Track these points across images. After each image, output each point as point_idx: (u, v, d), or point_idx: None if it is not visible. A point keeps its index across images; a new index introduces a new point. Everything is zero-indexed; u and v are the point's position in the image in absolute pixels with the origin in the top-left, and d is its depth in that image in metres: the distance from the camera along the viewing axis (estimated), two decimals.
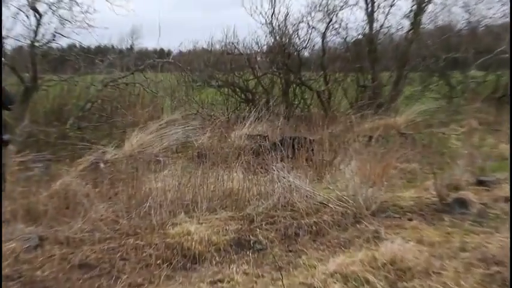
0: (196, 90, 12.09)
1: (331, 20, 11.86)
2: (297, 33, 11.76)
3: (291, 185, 5.44)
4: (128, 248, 4.31)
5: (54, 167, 6.77)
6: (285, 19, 11.61)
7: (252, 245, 4.54)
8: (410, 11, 11.99)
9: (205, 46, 12.79)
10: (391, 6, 11.95)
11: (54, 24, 9.93)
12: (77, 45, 10.24)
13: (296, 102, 12.06)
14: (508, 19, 12.01)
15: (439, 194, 5.54)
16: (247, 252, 4.41)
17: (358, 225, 4.90)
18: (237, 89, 11.99)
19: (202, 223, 4.85)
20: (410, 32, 12.05)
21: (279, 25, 11.65)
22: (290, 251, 4.44)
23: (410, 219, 5.08)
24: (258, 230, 4.77)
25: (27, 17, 8.88)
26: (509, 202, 5.27)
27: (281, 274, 3.83)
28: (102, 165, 7.10)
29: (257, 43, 12.10)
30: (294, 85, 12.05)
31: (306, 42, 11.95)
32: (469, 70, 13.22)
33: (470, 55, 12.85)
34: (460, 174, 6.16)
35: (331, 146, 7.19)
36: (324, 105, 11.17)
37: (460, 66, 13.34)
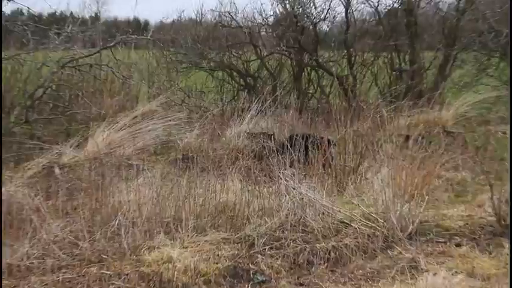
0: (181, 74, 12.13)
1: None
2: (313, 0, 11.79)
3: (303, 199, 5.46)
4: (89, 280, 4.32)
5: None
6: None
7: (251, 276, 4.54)
8: None
9: (193, 16, 12.84)
10: None
11: None
12: (25, 12, 10.29)
13: (311, 91, 12.07)
14: None
15: (497, 212, 5.54)
16: (246, 286, 4.41)
17: (389, 252, 4.90)
18: (235, 73, 12.01)
19: (187, 247, 4.85)
20: None
21: None
22: (301, 285, 4.44)
23: (458, 245, 5.09)
24: (259, 256, 4.77)
25: None
26: None
27: None
28: (57, 170, 7.12)
29: (261, 13, 12.15)
30: (309, 68, 12.07)
31: (325, 12, 11.98)
32: None
33: None
34: None
35: (356, 148, 7.21)
36: (347, 94, 11.19)
37: None
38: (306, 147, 6.90)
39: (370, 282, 4.41)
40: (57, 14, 11.00)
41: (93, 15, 12.10)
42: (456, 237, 5.26)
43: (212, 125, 9.09)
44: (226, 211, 5.56)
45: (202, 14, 12.55)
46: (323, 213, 5.42)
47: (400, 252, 4.88)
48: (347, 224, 5.33)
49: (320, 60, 11.83)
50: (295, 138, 6.94)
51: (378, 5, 12.14)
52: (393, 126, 8.61)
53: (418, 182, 6.14)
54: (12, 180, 6.10)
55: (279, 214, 5.34)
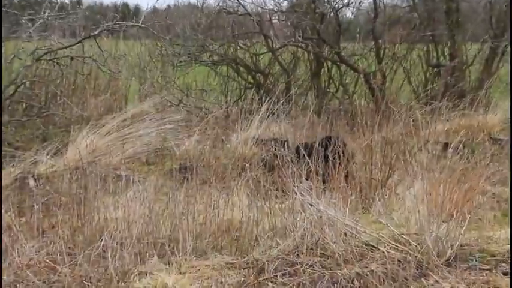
0: (179, 69, 12.17)
1: None
2: None
3: (321, 217, 5.47)
4: None
5: None
6: None
7: None
8: None
9: (193, 1, 12.89)
10: None
11: None
12: None
13: (332, 90, 12.10)
14: None
15: None
16: None
17: (424, 280, 4.91)
18: (242, 68, 12.06)
19: (185, 273, 4.88)
20: None
21: None
22: None
23: (505, 273, 5.09)
24: (270, 284, 4.79)
25: None
26: None
27: None
28: (32, 182, 7.17)
29: None
30: (329, 63, 12.10)
31: None
32: None
33: None
34: None
35: (385, 158, 7.23)
36: (374, 94, 11.21)
37: None
38: (326, 157, 6.93)
39: None
40: None
41: None
42: (503, 264, 5.26)
43: (215, 129, 9.13)
44: (231, 231, 5.58)
45: None
46: (345, 234, 5.43)
47: (437, 281, 4.89)
48: (373, 247, 5.34)
49: (343, 53, 11.85)
50: (313, 146, 6.98)
51: None
52: (429, 132, 8.61)
53: (458, 198, 6.15)
54: None
55: (293, 235, 5.36)
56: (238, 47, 12.01)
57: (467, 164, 6.84)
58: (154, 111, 9.87)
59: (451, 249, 5.30)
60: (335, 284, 4.81)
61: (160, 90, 11.15)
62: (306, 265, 5.01)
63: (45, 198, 6.45)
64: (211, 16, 12.20)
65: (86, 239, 5.22)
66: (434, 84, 11.66)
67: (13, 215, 5.57)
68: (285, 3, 12.41)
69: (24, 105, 9.70)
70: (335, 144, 7.18)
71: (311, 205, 5.58)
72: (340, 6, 11.95)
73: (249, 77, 12.06)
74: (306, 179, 6.29)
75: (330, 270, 4.97)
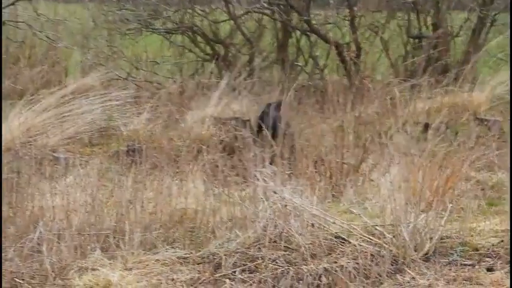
0: (127, 38, 12.08)
1: None
2: None
3: (286, 206, 5.49)
4: None
5: None
6: None
7: None
8: None
9: None
10: None
11: None
12: None
13: (300, 63, 12.10)
14: None
15: None
16: None
17: (399, 277, 4.95)
18: (199, 38, 12.00)
19: (131, 269, 4.87)
20: None
21: None
22: None
23: (490, 269, 5.15)
24: (227, 281, 4.80)
25: None
26: None
27: None
28: None
29: None
30: (298, 33, 12.09)
31: None
32: None
33: None
34: None
35: (358, 140, 7.27)
36: (347, 68, 11.25)
37: None
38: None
39: None
40: None
41: None
42: (487, 259, 5.32)
43: (167, 107, 9.10)
44: (184, 221, 5.58)
45: None
46: (312, 226, 5.45)
47: (413, 278, 4.94)
48: (344, 240, 5.37)
49: (313, 22, 11.85)
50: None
51: None
52: (408, 112, 8.67)
53: (439, 185, 6.20)
54: None
55: (255, 226, 5.37)
56: (196, 14, 11.94)
57: (450, 147, 6.91)
58: (99, 85, 9.79)
59: (430, 242, 5.35)
60: (300, 281, 4.83)
61: (105, 62, 11.05)
62: (268, 260, 5.03)
63: None
64: None
65: (18, 231, 5.19)
66: (415, 58, 11.69)
67: None
68: None
69: None
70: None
71: (275, 193, 5.59)
72: None
73: (208, 47, 12.01)
74: (270, 164, 6.30)
75: (295, 265, 4.99)
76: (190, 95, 9.76)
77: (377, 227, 5.46)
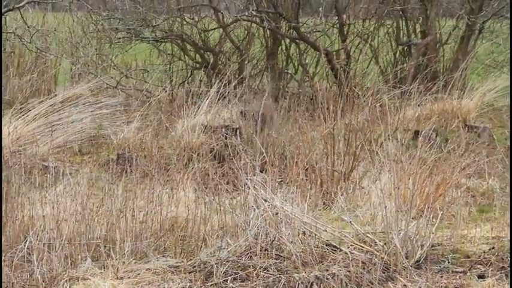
0: (116, 47, 12.07)
1: None
2: None
3: (277, 214, 5.49)
4: None
5: None
6: None
7: None
8: None
9: None
10: None
11: None
12: None
13: (290, 71, 12.11)
14: None
15: None
16: None
17: (391, 284, 4.96)
18: (189, 46, 12.01)
19: (122, 278, 4.86)
20: None
21: None
22: None
23: (482, 276, 5.16)
24: None
25: None
26: None
27: None
28: None
29: None
30: (287, 41, 12.10)
31: None
32: None
33: None
34: None
35: (349, 148, 7.27)
36: (337, 76, 11.25)
37: None
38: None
39: None
40: None
41: None
42: (479, 266, 5.34)
43: (158, 115, 9.09)
44: (175, 230, 5.58)
45: None
46: (304, 234, 5.46)
47: (405, 285, 4.95)
48: (335, 247, 5.38)
49: (302, 29, 11.87)
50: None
51: None
52: (398, 119, 8.68)
53: (429, 192, 6.22)
54: None
55: (246, 234, 5.37)
56: (185, 22, 11.94)
57: (440, 154, 6.92)
58: (89, 94, 9.78)
59: (421, 249, 5.37)
60: None
61: (95, 71, 11.04)
62: (259, 268, 5.03)
63: None
64: None
65: (8, 240, 5.17)
66: (405, 65, 11.73)
67: None
68: None
69: None
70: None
71: (266, 200, 5.59)
72: None
73: (197, 55, 12.01)
74: (261, 172, 6.31)
75: (287, 273, 4.99)
76: (180, 103, 9.75)
77: (368, 235, 5.47)
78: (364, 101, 8.13)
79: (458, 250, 5.56)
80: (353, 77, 11.02)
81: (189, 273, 5.04)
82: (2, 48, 10.17)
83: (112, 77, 11.34)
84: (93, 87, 10.36)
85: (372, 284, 4.94)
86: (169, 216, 5.71)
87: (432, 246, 5.49)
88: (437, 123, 9.25)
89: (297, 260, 5.13)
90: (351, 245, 5.37)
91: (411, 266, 5.19)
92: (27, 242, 5.06)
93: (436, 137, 8.48)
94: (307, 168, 7.00)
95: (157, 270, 5.02)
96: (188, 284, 4.86)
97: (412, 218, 5.59)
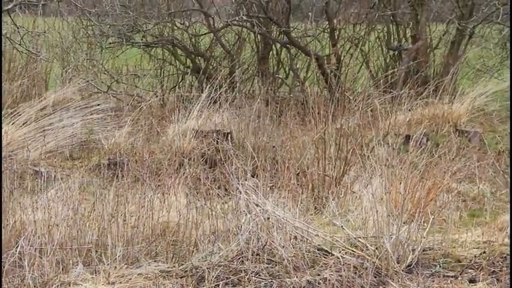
0: (107, 52, 12.07)
1: None
2: None
3: (269, 218, 5.50)
4: None
5: None
6: None
7: None
8: None
9: None
10: None
11: None
12: None
13: (281, 76, 12.13)
14: None
15: None
16: None
17: None
18: (179, 51, 12.01)
19: (114, 283, 4.86)
20: None
21: None
22: None
23: (473, 281, 5.18)
24: None
25: None
26: None
27: None
28: None
29: None
30: (278, 46, 12.12)
31: None
32: None
33: None
34: None
35: (340, 152, 7.28)
36: (328, 81, 11.28)
37: None
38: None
39: None
40: None
41: None
42: (470, 271, 5.35)
43: (149, 120, 9.08)
44: (166, 235, 5.57)
45: None
46: (295, 238, 5.47)
47: None
48: (327, 252, 5.39)
49: (293, 34, 11.89)
50: None
51: None
52: (389, 124, 8.71)
53: (420, 197, 6.23)
54: None
55: (237, 239, 5.38)
56: (175, 27, 11.95)
57: (431, 159, 6.94)
58: (79, 98, 9.77)
59: (413, 254, 5.38)
60: None
61: (86, 75, 11.03)
62: (251, 273, 5.04)
63: None
64: None
65: None
66: (395, 70, 11.75)
67: None
68: None
69: None
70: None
71: (257, 205, 5.60)
72: None
73: (188, 60, 12.02)
74: (252, 176, 6.31)
75: (278, 278, 5.00)
76: (171, 108, 9.75)
77: (360, 239, 5.48)
78: (355, 105, 8.16)
79: (450, 254, 5.58)
80: (344, 81, 11.05)
81: (181, 278, 5.04)
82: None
83: (103, 82, 11.34)
84: (84, 92, 10.35)
85: None
86: (161, 221, 5.70)
87: (423, 251, 5.51)
88: (428, 128, 9.28)
89: (289, 264, 5.14)
90: (343, 250, 5.39)
91: (402, 271, 5.21)
92: (19, 247, 5.05)
93: (427, 141, 8.50)
94: (298, 173, 7.01)
95: (149, 275, 5.02)
96: None
97: (404, 223, 5.60)
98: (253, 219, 5.48)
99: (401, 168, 6.51)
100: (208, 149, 8.11)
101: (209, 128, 8.74)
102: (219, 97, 9.42)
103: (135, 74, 11.96)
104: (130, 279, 4.94)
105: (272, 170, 6.93)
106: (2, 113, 8.49)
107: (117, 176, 6.47)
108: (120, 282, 4.89)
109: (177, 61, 12.03)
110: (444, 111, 10.14)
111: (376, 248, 5.32)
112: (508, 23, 12.79)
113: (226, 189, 6.69)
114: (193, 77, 11.72)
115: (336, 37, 11.93)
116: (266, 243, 5.35)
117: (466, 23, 12.21)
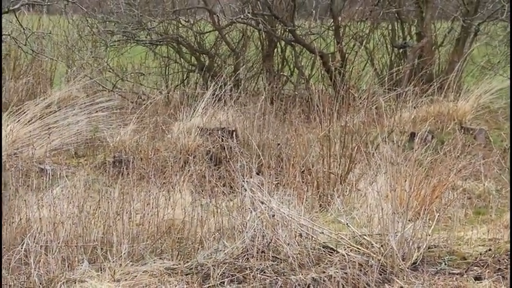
0: (112, 50, 12.08)
1: None
2: None
3: (274, 216, 5.50)
4: None
5: None
6: None
7: None
8: None
9: None
10: None
11: None
12: None
13: (286, 73, 12.13)
14: None
15: None
16: None
17: (388, 286, 4.97)
18: (184, 49, 12.01)
19: (119, 280, 4.87)
20: None
21: None
22: None
23: (478, 278, 5.18)
24: None
25: None
26: None
27: None
28: None
29: None
30: (283, 43, 12.12)
31: None
32: None
33: None
34: None
35: (345, 150, 7.29)
36: (333, 78, 11.28)
37: None
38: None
39: None
40: None
41: None
42: (475, 268, 5.35)
43: (154, 117, 9.08)
44: (172, 232, 5.58)
45: None
46: (300, 236, 5.47)
47: (402, 287, 4.95)
48: (332, 249, 5.39)
49: (298, 32, 11.89)
50: None
51: None
52: (394, 121, 8.71)
53: (425, 194, 6.23)
54: None
55: (243, 236, 5.39)
56: (180, 25, 11.96)
57: (436, 156, 6.93)
58: (85, 96, 9.78)
59: (418, 251, 5.38)
60: None
61: (91, 73, 11.04)
62: (256, 270, 5.05)
63: None
64: None
65: (5, 243, 5.17)
66: (400, 67, 11.75)
67: None
68: None
69: None
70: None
71: (262, 203, 5.60)
72: None
73: (193, 58, 12.03)
74: (257, 174, 6.31)
75: (284, 275, 5.00)
76: (176, 105, 9.75)
77: (365, 237, 5.49)
78: (360, 103, 8.15)
79: (455, 252, 5.58)
80: (348, 79, 11.05)
81: (186, 275, 5.05)
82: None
83: (108, 80, 11.35)
84: (89, 90, 10.36)
85: (369, 286, 4.96)
86: (166, 218, 5.71)
87: (429, 248, 5.51)
88: (433, 125, 9.28)
89: (294, 262, 5.14)
90: (348, 247, 5.39)
91: (408, 268, 5.21)
92: (24, 245, 5.05)
93: (432, 139, 8.50)
94: (303, 171, 7.01)
95: (154, 273, 5.03)
96: (185, 286, 4.87)
97: (409, 220, 5.60)
98: (258, 217, 5.49)
99: (406, 165, 6.50)
100: (213, 147, 8.11)
101: (214, 126, 8.74)
102: (224, 95, 9.41)
103: (140, 71, 11.97)
104: (135, 276, 4.94)
105: (277, 168, 6.92)
106: (8, 111, 8.50)
107: (122, 174, 6.48)
108: (126, 280, 4.90)
109: (181, 59, 12.04)
110: (449, 109, 10.14)
111: (382, 246, 5.33)
112: None
113: (231, 187, 6.69)
114: (198, 74, 11.73)
115: (341, 35, 11.93)
116: (271, 240, 5.36)
117: (471, 20, 12.20)
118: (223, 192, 6.50)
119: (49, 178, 6.21)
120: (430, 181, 6.33)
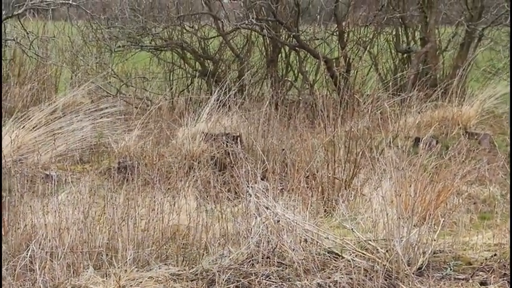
0: (116, 55, 12.10)
1: None
2: None
3: (279, 221, 5.50)
4: None
5: None
6: None
7: None
8: None
9: None
10: None
11: None
12: None
13: (290, 79, 12.14)
14: None
15: None
16: None
17: None
18: (188, 54, 12.03)
19: (124, 286, 4.87)
20: None
21: None
22: None
23: (484, 283, 5.18)
24: None
25: None
26: None
27: None
28: None
29: None
30: (287, 49, 12.13)
31: None
32: None
33: None
34: None
35: (350, 155, 7.28)
36: (337, 83, 11.27)
37: None
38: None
39: None
40: None
41: None
42: (481, 273, 5.35)
43: (158, 123, 9.09)
44: (177, 238, 5.58)
45: None
46: (305, 241, 5.47)
47: None
48: (337, 255, 5.39)
49: (302, 37, 11.90)
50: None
51: None
52: (398, 126, 8.70)
53: (430, 199, 6.22)
54: None
55: (248, 242, 5.38)
56: (185, 30, 11.98)
57: (441, 161, 6.93)
58: (89, 102, 9.80)
59: (423, 256, 5.38)
60: None
61: (95, 79, 11.06)
62: (261, 276, 5.04)
63: None
64: None
65: (10, 249, 5.17)
66: (404, 72, 11.76)
67: None
68: None
69: None
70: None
71: (267, 208, 5.60)
72: None
73: (197, 64, 12.04)
74: (262, 179, 6.31)
75: (289, 281, 5.00)
76: (181, 111, 9.76)
77: (370, 242, 5.48)
78: (364, 108, 8.15)
79: (460, 257, 5.58)
80: (353, 84, 11.06)
81: (191, 281, 5.05)
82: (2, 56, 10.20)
83: (112, 85, 11.36)
84: (94, 95, 10.37)
85: None
86: (171, 224, 5.71)
87: (434, 253, 5.51)
88: (438, 130, 9.28)
89: (299, 267, 5.14)
90: (353, 253, 5.38)
91: (413, 273, 5.20)
92: (30, 251, 5.05)
93: (436, 144, 8.50)
94: (308, 176, 7.01)
95: (160, 278, 5.03)
96: None
97: (414, 225, 5.60)
98: (263, 222, 5.49)
99: (411, 170, 6.51)
100: (218, 152, 8.12)
101: (218, 131, 8.75)
102: (228, 100, 9.42)
103: (144, 77, 12.00)
104: (140, 282, 4.94)
105: (282, 173, 6.92)
106: (13, 117, 8.51)
107: (127, 180, 6.49)
108: (131, 286, 4.90)
109: (186, 64, 12.06)
110: (454, 114, 10.15)
111: (387, 251, 5.32)
112: None
113: (236, 192, 6.69)
114: (202, 80, 11.74)
115: (345, 40, 11.95)
116: (276, 246, 5.35)
117: (475, 25, 12.22)
118: (228, 197, 6.50)
119: (54, 184, 6.21)
120: (435, 186, 6.33)
